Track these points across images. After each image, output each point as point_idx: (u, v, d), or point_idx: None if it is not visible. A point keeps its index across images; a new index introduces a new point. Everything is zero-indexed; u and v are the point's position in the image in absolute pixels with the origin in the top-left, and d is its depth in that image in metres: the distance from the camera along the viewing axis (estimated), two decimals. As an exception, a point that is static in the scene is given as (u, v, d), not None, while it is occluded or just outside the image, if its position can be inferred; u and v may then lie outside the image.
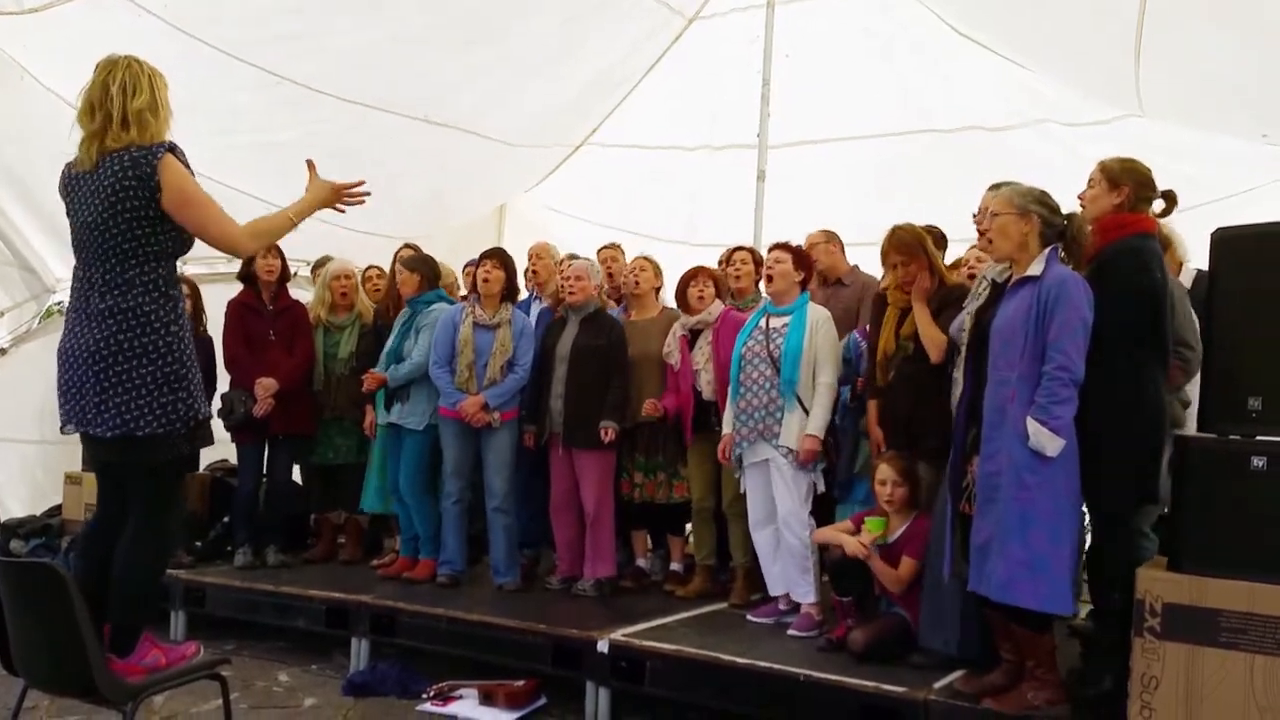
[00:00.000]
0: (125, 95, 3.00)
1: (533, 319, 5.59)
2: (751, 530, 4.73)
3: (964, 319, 3.83)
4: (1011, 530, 3.29)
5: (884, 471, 4.16)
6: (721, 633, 4.40)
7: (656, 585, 5.35)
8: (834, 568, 4.25)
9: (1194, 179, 5.30)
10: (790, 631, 4.41)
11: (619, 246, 6.20)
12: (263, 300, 5.74)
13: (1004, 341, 3.44)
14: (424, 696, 4.44)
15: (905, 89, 7.34)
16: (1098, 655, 3.61)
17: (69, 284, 3.19)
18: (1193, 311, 4.08)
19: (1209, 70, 5.59)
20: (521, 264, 5.80)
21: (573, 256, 5.72)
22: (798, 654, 4.06)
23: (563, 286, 5.29)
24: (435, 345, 5.25)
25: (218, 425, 5.14)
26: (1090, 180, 3.66)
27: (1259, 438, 3.15)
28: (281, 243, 5.53)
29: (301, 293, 6.49)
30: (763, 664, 3.91)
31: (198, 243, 3.19)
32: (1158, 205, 3.62)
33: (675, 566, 5.39)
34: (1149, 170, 3.61)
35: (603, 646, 4.19)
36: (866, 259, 5.36)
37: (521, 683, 4.36)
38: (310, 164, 3.31)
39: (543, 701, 4.37)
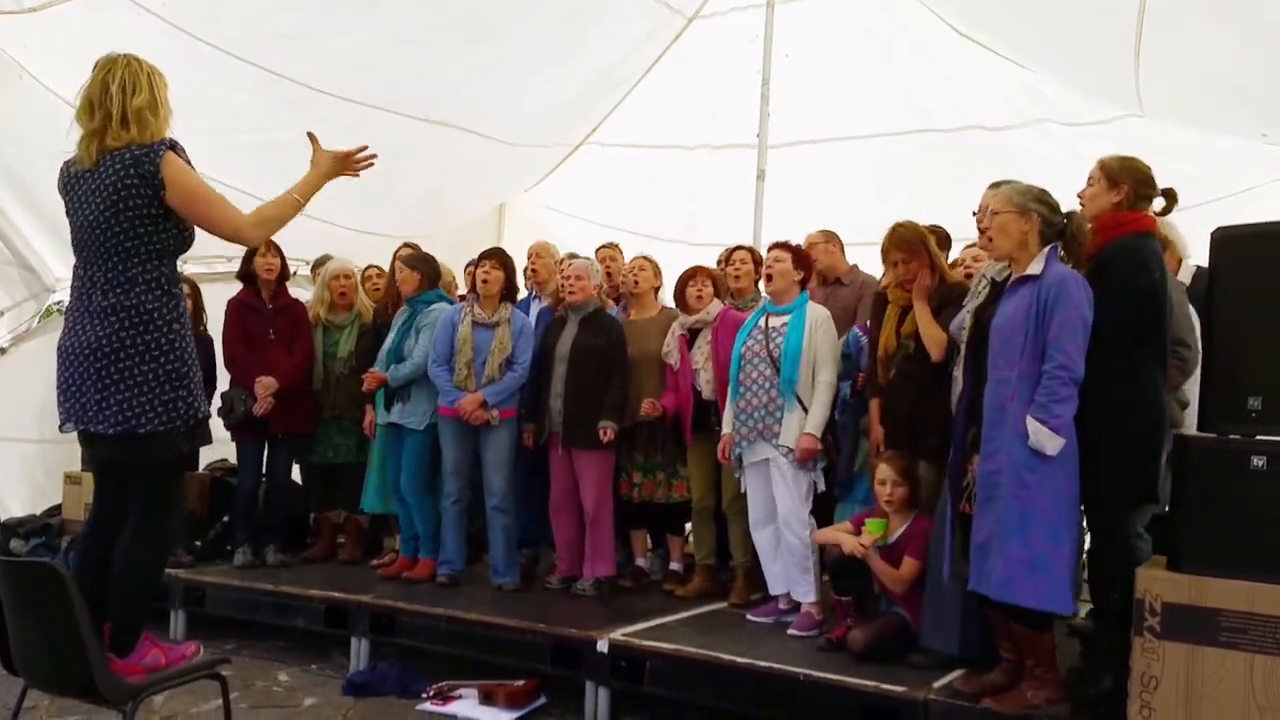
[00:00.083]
0: (125, 94, 3.00)
1: (532, 318, 5.59)
2: (751, 530, 4.73)
3: (964, 317, 3.82)
4: (1011, 529, 3.29)
5: (883, 471, 4.16)
6: (721, 632, 4.40)
7: (656, 585, 5.35)
8: (834, 567, 4.25)
9: (1194, 178, 5.29)
10: (790, 631, 4.41)
11: (617, 246, 6.20)
12: (262, 299, 5.73)
13: (1004, 340, 3.44)
14: (424, 696, 4.43)
15: (905, 89, 7.34)
16: (1097, 655, 3.62)
17: (69, 283, 3.18)
18: (1191, 310, 4.08)
19: (1209, 70, 5.59)
20: (521, 263, 5.80)
21: (572, 256, 5.73)
22: (798, 653, 4.06)
23: (562, 286, 5.29)
24: (434, 344, 5.25)
25: (217, 424, 5.14)
26: (1090, 178, 3.65)
27: (1259, 437, 3.15)
28: (281, 242, 5.59)
29: (301, 291, 6.49)
30: (762, 663, 3.91)
31: (197, 242, 3.19)
32: (1158, 203, 3.62)
33: (675, 566, 5.40)
34: (1148, 168, 3.60)
35: (602, 646, 4.19)
36: (866, 258, 5.36)
37: (521, 682, 4.36)
38: (312, 136, 3.28)
39: (542, 701, 4.37)
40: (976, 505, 3.49)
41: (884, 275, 4.48)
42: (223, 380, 5.73)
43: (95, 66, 3.07)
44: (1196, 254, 4.35)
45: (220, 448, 5.79)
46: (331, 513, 6.09)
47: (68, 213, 3.12)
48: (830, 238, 5.49)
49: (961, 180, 5.07)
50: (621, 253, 6.11)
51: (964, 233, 4.84)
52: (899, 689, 3.61)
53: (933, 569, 3.84)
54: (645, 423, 5.11)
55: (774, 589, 4.72)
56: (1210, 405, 3.28)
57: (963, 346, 3.80)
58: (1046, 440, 3.24)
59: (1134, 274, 3.42)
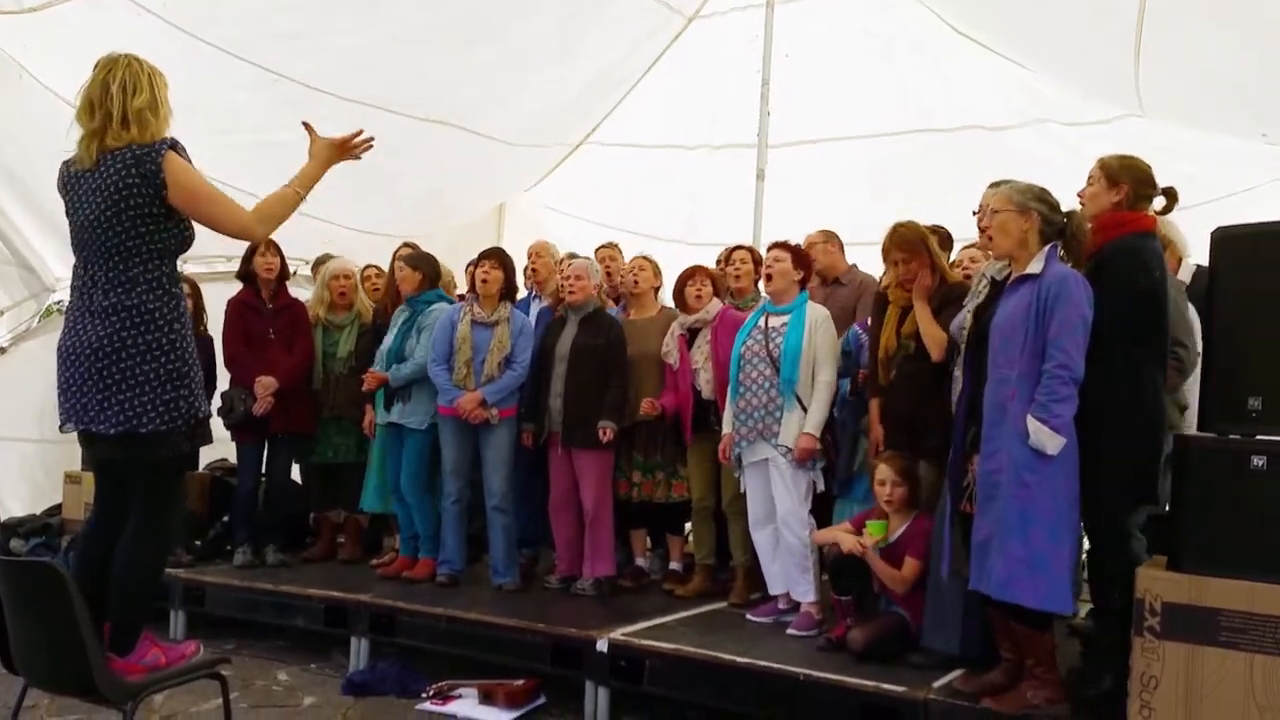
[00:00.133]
0: (125, 94, 3.00)
1: (532, 318, 5.59)
2: (751, 529, 4.73)
3: (964, 317, 3.82)
4: (1011, 528, 3.29)
5: (883, 471, 4.16)
6: (721, 632, 4.40)
7: (656, 584, 5.35)
8: (833, 566, 4.25)
9: (1194, 178, 5.28)
10: (790, 631, 4.41)
11: (617, 246, 6.20)
12: (262, 299, 5.73)
13: (1004, 339, 3.44)
14: (423, 696, 4.43)
15: (905, 89, 7.33)
16: (1097, 654, 3.62)
17: (69, 283, 3.19)
18: (1190, 310, 4.08)
19: (1209, 70, 5.59)
20: (521, 263, 5.80)
21: (572, 256, 5.73)
22: (797, 653, 4.06)
23: (562, 286, 5.29)
24: (434, 343, 5.25)
25: (217, 424, 5.14)
26: (1089, 178, 3.65)
27: (1259, 437, 3.15)
28: (281, 241, 5.59)
29: (301, 291, 6.49)
30: (762, 663, 3.91)
31: (197, 242, 3.19)
32: (1158, 203, 3.61)
33: (674, 566, 5.40)
34: (1148, 168, 3.60)
35: (602, 646, 4.19)
36: (865, 258, 5.36)
37: (521, 682, 4.36)
38: (308, 125, 3.28)
39: (542, 701, 4.37)
40: (976, 505, 3.49)
41: (884, 275, 4.48)
42: (223, 380, 5.73)
43: (96, 66, 3.07)
44: (1196, 254, 4.35)
45: (220, 447, 5.78)
46: (331, 512, 6.09)
47: (68, 212, 3.12)
48: (830, 237, 5.49)
49: (961, 180, 5.07)
50: (621, 253, 6.12)
51: (964, 233, 4.84)
52: (899, 689, 3.61)
53: (933, 569, 3.84)
54: (645, 422, 5.11)
55: (773, 589, 4.72)
56: (1210, 405, 3.28)
57: (963, 346, 3.80)
58: (1047, 440, 3.24)
59: (1134, 274, 3.41)
